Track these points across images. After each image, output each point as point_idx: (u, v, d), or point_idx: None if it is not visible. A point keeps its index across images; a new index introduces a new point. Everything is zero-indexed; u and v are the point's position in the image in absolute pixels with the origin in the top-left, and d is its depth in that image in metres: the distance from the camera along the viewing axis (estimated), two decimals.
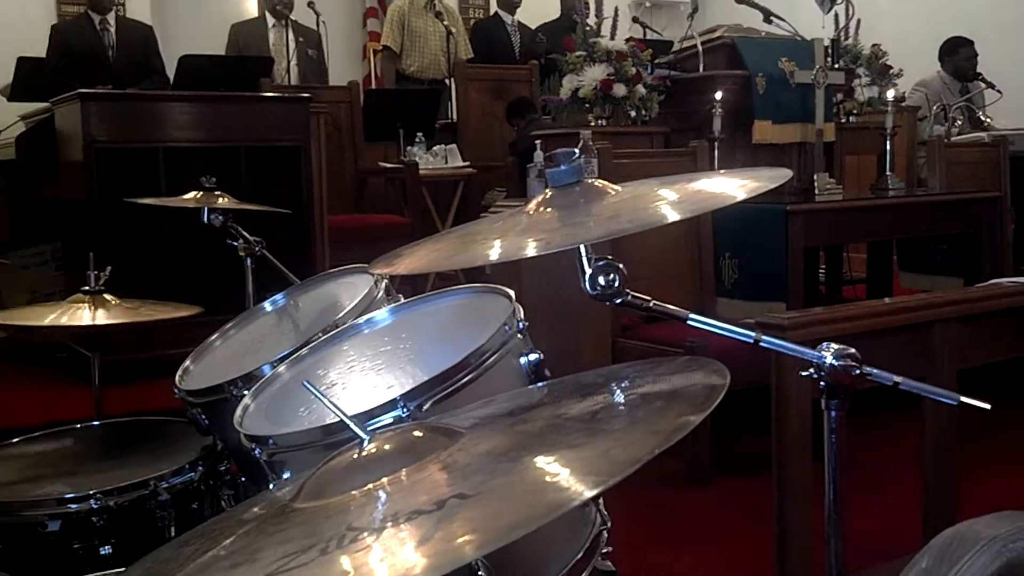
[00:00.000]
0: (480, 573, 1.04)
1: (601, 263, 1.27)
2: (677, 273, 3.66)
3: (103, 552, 1.73)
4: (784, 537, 2.34)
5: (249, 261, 2.34)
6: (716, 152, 4.12)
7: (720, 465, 3.28)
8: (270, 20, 6.25)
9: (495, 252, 1.18)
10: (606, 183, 1.31)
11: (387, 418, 1.21)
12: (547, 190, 1.31)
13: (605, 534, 1.29)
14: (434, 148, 5.85)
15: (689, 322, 1.27)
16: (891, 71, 5.27)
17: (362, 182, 5.96)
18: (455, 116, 6.50)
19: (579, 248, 1.26)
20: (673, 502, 3.12)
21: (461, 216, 5.75)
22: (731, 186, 1.29)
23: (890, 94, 4.67)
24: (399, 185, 5.79)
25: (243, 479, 1.84)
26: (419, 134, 5.78)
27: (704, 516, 3.05)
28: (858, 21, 5.28)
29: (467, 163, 5.91)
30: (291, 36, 6.12)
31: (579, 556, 1.19)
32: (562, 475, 0.78)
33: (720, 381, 0.90)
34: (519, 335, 1.34)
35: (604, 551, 1.30)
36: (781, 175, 1.31)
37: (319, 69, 6.38)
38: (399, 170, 5.69)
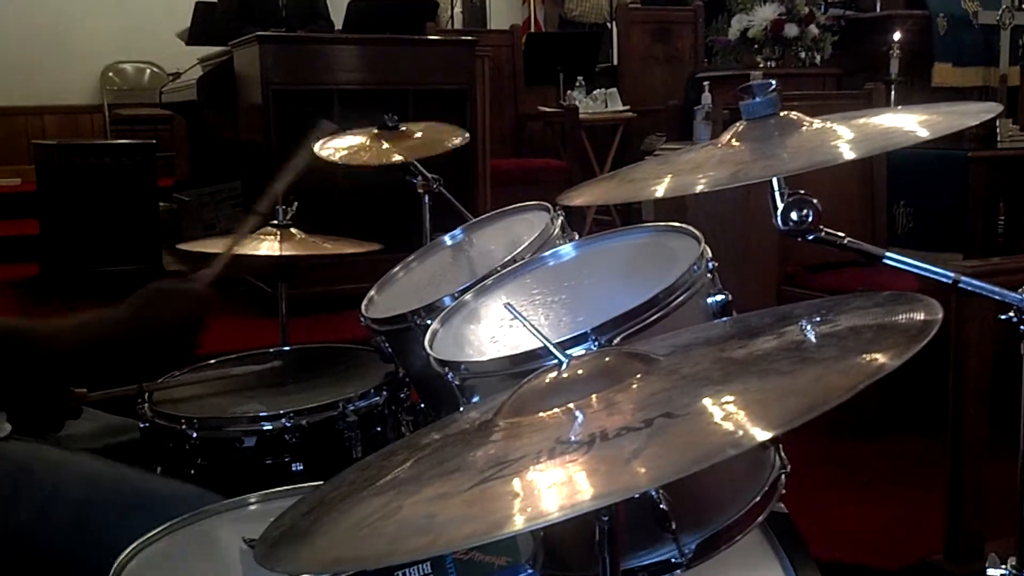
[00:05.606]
0: (662, 507, 1.05)
1: (793, 198, 1.25)
2: (848, 220, 3.55)
3: (295, 468, 1.82)
4: (958, 492, 2.28)
5: (427, 198, 2.40)
6: (893, 95, 3.97)
7: (885, 419, 3.20)
8: None
9: (694, 183, 1.17)
10: (801, 115, 1.28)
11: (578, 350, 1.22)
12: (739, 123, 1.30)
13: (783, 478, 1.28)
14: (594, 92, 5.81)
15: (886, 260, 1.25)
16: None
17: (522, 126, 5.99)
18: (616, 60, 6.44)
19: (772, 182, 1.24)
20: (840, 453, 3.06)
21: (619, 161, 5.71)
22: (933, 121, 1.25)
23: None
24: (558, 129, 5.79)
25: (422, 405, 1.91)
26: (579, 78, 5.76)
27: (871, 468, 3.00)
28: None
29: (627, 107, 5.85)
30: None
31: (758, 499, 1.17)
32: (783, 397, 0.78)
33: (932, 316, 0.87)
34: (708, 275, 1.33)
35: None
36: (989, 108, 1.25)
37: (480, 15, 6.43)
38: (558, 114, 5.69)
